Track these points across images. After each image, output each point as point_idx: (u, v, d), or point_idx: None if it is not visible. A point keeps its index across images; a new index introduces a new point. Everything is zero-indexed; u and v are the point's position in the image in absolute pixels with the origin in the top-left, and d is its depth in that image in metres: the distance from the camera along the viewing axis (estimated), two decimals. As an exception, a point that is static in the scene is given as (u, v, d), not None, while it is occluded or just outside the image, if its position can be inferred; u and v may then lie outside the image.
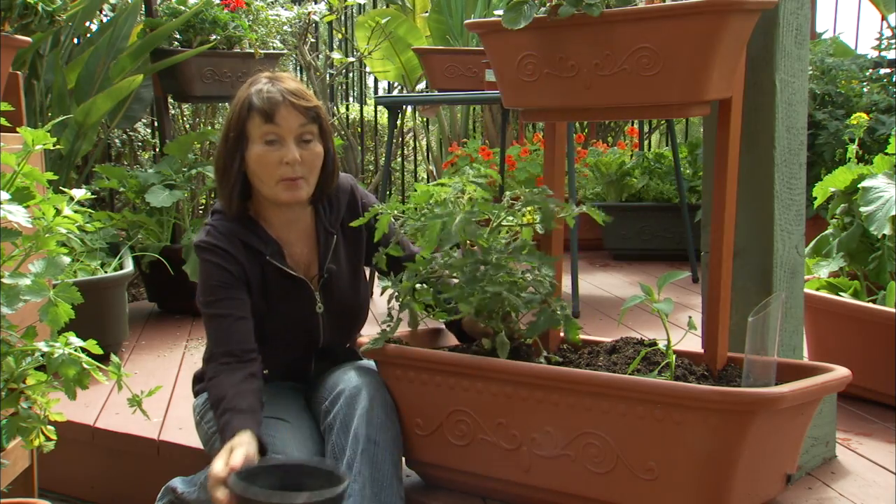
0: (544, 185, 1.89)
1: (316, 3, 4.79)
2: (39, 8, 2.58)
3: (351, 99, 6.83)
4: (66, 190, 1.69)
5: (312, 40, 5.49)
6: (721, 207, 1.75)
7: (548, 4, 1.71)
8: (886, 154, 2.60)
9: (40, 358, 1.61)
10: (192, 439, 2.17)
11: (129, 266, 3.21)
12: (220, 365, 1.82)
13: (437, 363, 1.82)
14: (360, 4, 5.71)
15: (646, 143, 5.91)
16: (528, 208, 1.84)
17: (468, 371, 1.78)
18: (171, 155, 3.68)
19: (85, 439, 2.39)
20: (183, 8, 3.77)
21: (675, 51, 1.60)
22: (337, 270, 1.99)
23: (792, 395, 1.56)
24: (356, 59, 5.73)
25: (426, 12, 5.74)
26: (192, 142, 3.76)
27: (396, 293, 1.87)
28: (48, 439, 1.70)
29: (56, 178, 1.75)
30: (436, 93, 4.24)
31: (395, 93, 6.12)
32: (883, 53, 4.42)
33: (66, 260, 1.63)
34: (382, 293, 1.89)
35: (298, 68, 5.86)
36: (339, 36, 6.19)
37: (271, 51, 4.01)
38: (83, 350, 1.61)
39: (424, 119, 6.39)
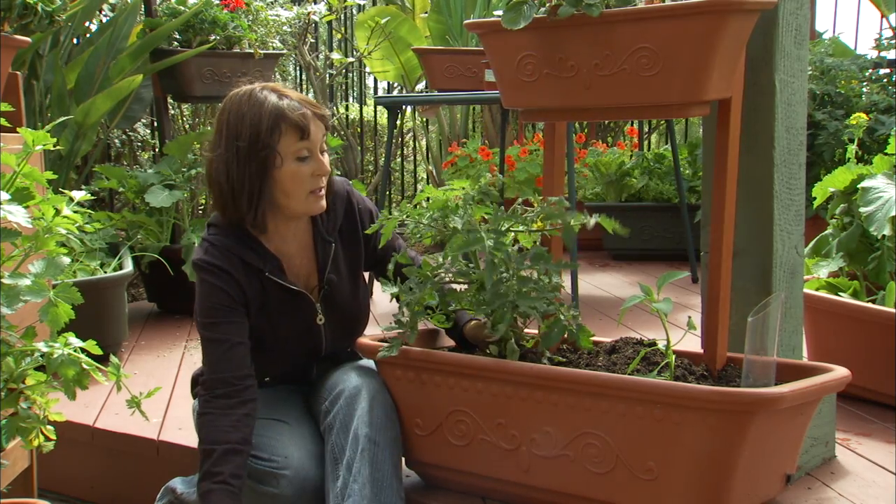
0: (561, 197, 1.86)
1: (315, 3, 4.79)
2: (39, 8, 2.59)
3: (350, 99, 6.83)
4: (65, 190, 1.69)
5: (312, 40, 5.49)
6: (720, 207, 1.75)
7: (547, 5, 1.71)
8: (886, 154, 2.60)
9: (40, 358, 1.61)
10: (192, 439, 2.16)
11: (129, 266, 3.20)
12: (214, 398, 1.78)
13: (436, 363, 1.82)
14: (359, 5, 5.71)
15: (645, 143, 5.91)
16: (544, 219, 1.82)
17: (468, 371, 1.78)
18: (170, 155, 3.68)
19: (84, 439, 2.39)
20: (182, 8, 3.77)
21: (675, 51, 1.60)
22: (337, 280, 1.96)
23: (791, 395, 1.56)
24: (356, 60, 5.73)
25: (426, 12, 5.75)
26: (192, 142, 3.76)
27: (408, 302, 1.83)
28: (48, 439, 1.70)
29: (56, 178, 1.76)
30: (435, 93, 4.24)
31: (394, 93, 6.12)
32: (882, 53, 4.42)
33: (66, 260, 1.63)
34: (392, 300, 1.87)
35: (298, 68, 5.86)
36: (339, 36, 6.19)
37: (271, 51, 4.01)
38: (83, 350, 1.61)
39: (424, 119, 6.39)
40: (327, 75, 5.37)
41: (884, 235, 2.43)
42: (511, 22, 1.71)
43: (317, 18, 4.91)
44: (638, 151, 5.24)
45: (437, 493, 1.92)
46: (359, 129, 6.17)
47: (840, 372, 1.71)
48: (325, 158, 1.87)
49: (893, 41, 4.38)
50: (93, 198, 2.05)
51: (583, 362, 1.86)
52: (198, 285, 1.87)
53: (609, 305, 3.62)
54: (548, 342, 1.79)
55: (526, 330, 1.87)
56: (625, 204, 4.68)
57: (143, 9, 3.85)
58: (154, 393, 1.69)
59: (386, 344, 1.84)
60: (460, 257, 1.83)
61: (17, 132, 1.74)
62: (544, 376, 1.70)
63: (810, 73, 4.19)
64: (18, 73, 2.52)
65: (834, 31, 5.36)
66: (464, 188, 1.86)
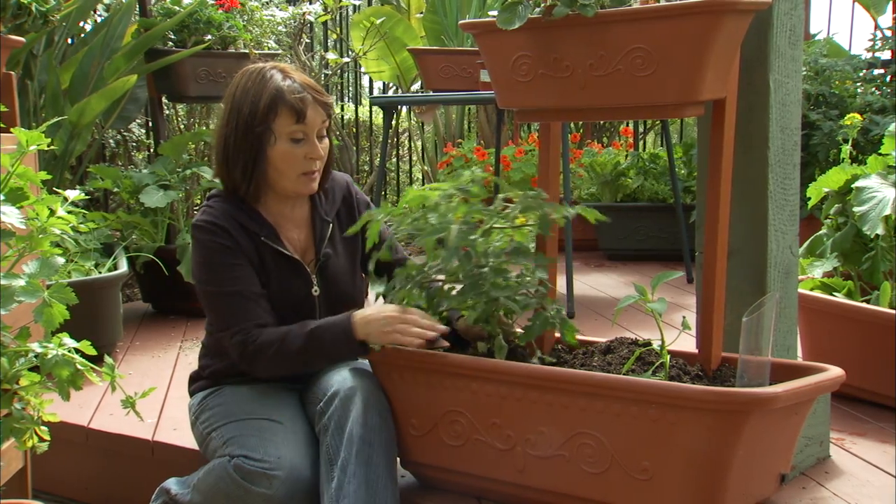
0: (539, 189, 1.89)
1: (311, 4, 4.79)
2: (33, 8, 2.58)
3: (346, 99, 6.82)
4: (60, 190, 1.69)
5: (307, 40, 5.48)
6: (715, 208, 1.76)
7: (542, 5, 1.71)
8: (880, 154, 2.61)
9: (34, 359, 1.60)
10: (187, 440, 2.16)
11: (124, 266, 3.20)
12: (256, 329, 1.86)
13: (431, 364, 1.82)
14: (355, 5, 5.71)
15: (641, 143, 5.92)
16: (521, 211, 1.83)
17: (462, 371, 1.78)
18: (165, 155, 3.67)
19: (79, 440, 2.39)
20: (177, 8, 3.76)
21: (670, 51, 1.60)
22: (333, 255, 2.01)
23: (786, 395, 1.56)
24: (351, 60, 5.72)
25: (421, 13, 5.75)
26: (187, 142, 3.76)
27: (392, 300, 1.85)
28: (42, 440, 1.69)
29: (50, 178, 1.75)
30: (431, 93, 4.24)
31: (389, 93, 6.12)
32: (876, 54, 4.44)
33: (61, 261, 1.62)
34: (377, 299, 1.88)
35: (293, 68, 5.84)
36: (334, 36, 6.19)
37: (266, 51, 4.00)
38: (77, 351, 1.61)
39: (419, 120, 6.39)
40: (323, 75, 5.37)
41: (877, 235, 2.43)
42: (506, 22, 1.71)
43: (312, 18, 4.90)
44: (633, 152, 5.24)
45: (433, 493, 1.92)
46: (354, 130, 6.16)
47: (834, 372, 1.71)
48: (324, 144, 1.93)
49: (888, 41, 4.39)
50: (87, 198, 2.04)
51: (577, 362, 1.86)
52: (198, 249, 1.91)
53: (604, 305, 3.62)
54: (529, 335, 1.80)
55: (517, 329, 1.87)
56: (620, 204, 4.68)
57: (137, 9, 3.84)
58: (149, 393, 1.69)
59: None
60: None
61: (12, 132, 1.73)
62: (539, 376, 1.70)
63: (805, 73, 4.20)
64: (12, 73, 2.51)
65: (828, 32, 5.37)
66: (443, 189, 1.87)
